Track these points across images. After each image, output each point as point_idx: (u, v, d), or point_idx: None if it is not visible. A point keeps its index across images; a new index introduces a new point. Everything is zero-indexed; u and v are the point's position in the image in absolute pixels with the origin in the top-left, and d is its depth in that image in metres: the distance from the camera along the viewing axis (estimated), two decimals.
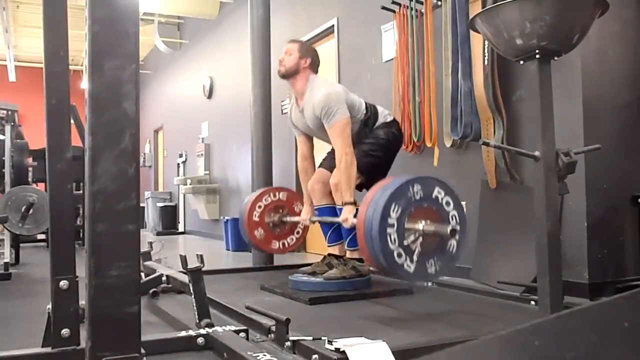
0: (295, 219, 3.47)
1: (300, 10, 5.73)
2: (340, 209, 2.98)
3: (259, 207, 3.52)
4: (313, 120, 3.02)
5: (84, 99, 1.15)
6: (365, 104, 3.12)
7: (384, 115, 3.15)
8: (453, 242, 2.31)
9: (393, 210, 2.18)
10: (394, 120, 3.21)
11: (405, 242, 2.20)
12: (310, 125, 3.09)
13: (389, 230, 2.17)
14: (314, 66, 3.11)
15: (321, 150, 3.46)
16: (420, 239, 2.22)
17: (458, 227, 2.27)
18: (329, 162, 3.17)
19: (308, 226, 3.51)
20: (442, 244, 2.28)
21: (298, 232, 3.63)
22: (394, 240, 2.17)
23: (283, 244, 3.61)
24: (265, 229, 3.53)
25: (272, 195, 3.58)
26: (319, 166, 3.28)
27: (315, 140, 3.35)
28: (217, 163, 8.01)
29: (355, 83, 4.62)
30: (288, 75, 3.08)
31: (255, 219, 3.51)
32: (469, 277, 3.33)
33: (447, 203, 2.32)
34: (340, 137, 2.90)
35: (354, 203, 2.87)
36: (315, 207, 3.24)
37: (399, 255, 2.19)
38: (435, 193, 2.30)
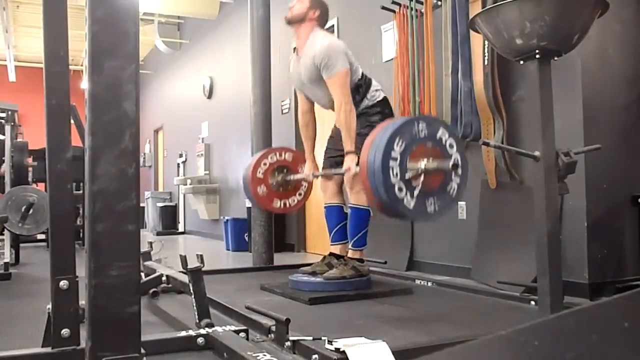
0: (299, 176, 3.40)
1: None
2: (351, 208, 2.99)
3: (264, 164, 3.42)
4: (309, 70, 3.00)
5: (84, 99, 1.15)
6: (362, 72, 3.11)
7: (376, 87, 3.12)
8: (453, 184, 2.29)
9: (397, 144, 2.16)
10: (385, 98, 3.15)
11: (407, 177, 2.18)
12: (303, 78, 3.07)
13: (391, 163, 2.15)
14: (322, 20, 3.10)
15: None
16: (422, 176, 2.19)
17: (460, 163, 2.26)
18: (331, 161, 3.18)
19: (311, 186, 3.48)
20: (442, 183, 2.27)
21: (300, 194, 3.53)
22: (396, 174, 2.15)
23: (284, 203, 3.49)
24: (268, 186, 3.44)
25: (277, 154, 3.48)
26: (323, 167, 3.27)
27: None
28: (217, 163, 8.01)
29: None
30: (294, 21, 3.07)
31: (259, 175, 3.41)
32: (469, 277, 3.33)
33: (450, 145, 2.30)
34: (340, 87, 2.91)
35: (355, 152, 2.84)
36: (325, 205, 3.24)
37: (400, 189, 2.16)
38: (439, 134, 2.27)
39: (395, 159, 2.16)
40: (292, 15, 3.08)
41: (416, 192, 2.20)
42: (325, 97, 3.06)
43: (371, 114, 3.06)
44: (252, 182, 3.39)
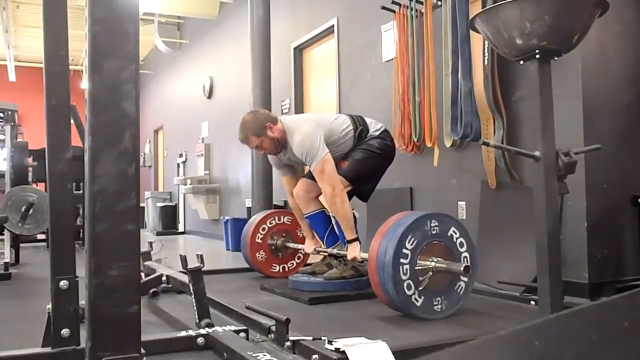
0: (299, 246, 3.47)
1: (300, 10, 5.72)
2: (333, 216, 2.99)
3: (263, 229, 3.56)
4: (300, 160, 3.00)
5: (84, 99, 1.15)
6: (352, 117, 3.08)
7: (373, 125, 3.11)
8: (462, 284, 2.34)
9: (409, 242, 2.21)
10: (386, 130, 3.16)
11: (416, 275, 2.23)
12: (301, 161, 3.06)
13: (402, 260, 2.20)
14: (270, 119, 3.03)
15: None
16: (431, 274, 2.24)
17: (470, 264, 2.30)
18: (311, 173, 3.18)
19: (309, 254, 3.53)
20: (451, 283, 2.32)
21: (299, 258, 3.66)
22: (406, 270, 2.20)
23: (283, 267, 3.63)
24: (267, 251, 3.56)
25: (276, 218, 3.60)
26: (303, 176, 3.25)
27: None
28: (217, 163, 8.01)
29: (355, 83, 4.63)
30: (280, 149, 3.05)
31: (258, 240, 3.54)
32: None
33: (461, 244, 2.36)
34: (326, 177, 2.86)
35: (357, 239, 2.89)
36: (305, 216, 3.20)
37: (409, 287, 2.21)
38: (450, 232, 2.33)
39: (406, 256, 2.21)
40: (275, 150, 3.05)
41: (424, 291, 2.24)
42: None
43: (370, 138, 3.06)
44: (251, 249, 3.52)
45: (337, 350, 1.64)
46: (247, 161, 5.22)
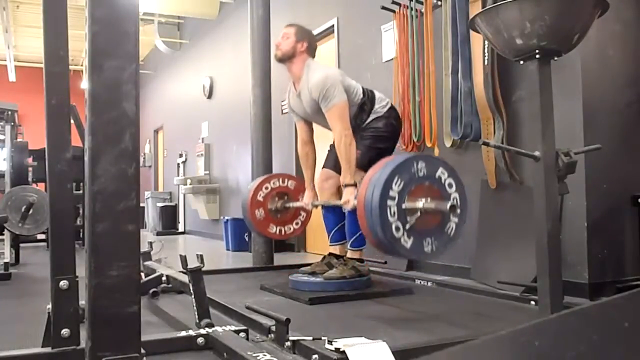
0: (298, 204, 3.41)
1: (300, 10, 5.73)
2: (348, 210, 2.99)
3: (266, 188, 3.44)
4: (310, 103, 3.01)
5: (84, 99, 1.15)
6: (363, 88, 3.11)
7: (380, 100, 3.12)
8: (452, 225, 2.29)
9: (395, 184, 2.17)
10: (392, 107, 3.17)
11: (404, 216, 2.19)
12: (307, 110, 3.08)
13: (389, 202, 2.16)
14: (311, 50, 3.09)
15: (321, 136, 3.44)
16: (419, 214, 2.20)
17: (458, 204, 2.26)
18: (333, 162, 3.17)
19: (309, 215, 3.48)
20: (441, 223, 2.27)
21: (298, 223, 3.56)
22: (394, 213, 2.16)
23: (281, 230, 3.52)
24: (266, 210, 3.45)
25: (280, 180, 3.51)
26: (323, 166, 3.27)
27: (315, 127, 3.33)
28: (217, 163, 8.01)
29: None
30: (285, 59, 3.06)
31: (259, 198, 3.42)
32: (469, 277, 3.33)
33: (450, 185, 2.30)
34: (338, 120, 2.90)
35: (355, 185, 2.85)
36: (322, 206, 3.23)
37: (397, 228, 2.17)
38: (438, 173, 2.28)
39: (393, 198, 2.17)
40: (282, 53, 3.06)
41: (413, 232, 2.21)
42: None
43: (376, 119, 3.07)
44: (251, 204, 3.42)
45: (337, 350, 1.64)
46: (247, 161, 5.22)
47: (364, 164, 2.94)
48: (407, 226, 2.19)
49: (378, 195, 2.14)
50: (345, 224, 3.08)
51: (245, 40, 4.87)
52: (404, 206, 2.18)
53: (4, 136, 4.82)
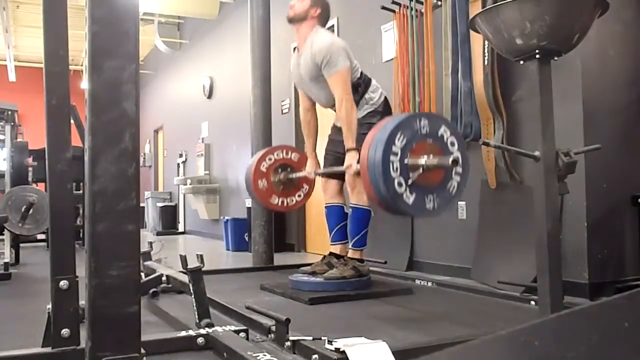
0: (300, 174, 3.37)
1: None
2: (352, 208, 2.99)
3: (269, 159, 3.40)
4: (309, 68, 3.01)
5: (84, 99, 1.15)
6: (361, 72, 3.11)
7: (375, 89, 3.11)
8: (454, 183, 2.28)
9: (398, 139, 2.16)
10: (385, 99, 3.14)
11: (407, 172, 2.18)
12: (304, 76, 3.08)
13: (392, 158, 2.15)
14: (323, 18, 3.11)
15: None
16: (422, 171, 2.19)
17: (460, 159, 2.25)
18: (333, 161, 3.18)
19: (312, 187, 3.47)
20: (443, 181, 2.26)
21: (300, 195, 3.50)
22: (396, 168, 2.15)
23: (283, 202, 3.46)
24: (270, 181, 3.40)
25: (284, 152, 3.46)
26: (324, 165, 3.27)
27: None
28: (217, 163, 8.01)
29: None
30: (296, 19, 3.08)
31: (262, 169, 3.38)
32: (469, 277, 3.33)
33: (452, 143, 2.28)
34: (341, 84, 2.92)
35: (357, 149, 2.83)
36: (325, 205, 3.24)
37: (400, 184, 2.16)
38: (441, 131, 2.26)
39: (396, 154, 2.16)
40: (293, 13, 3.09)
41: (415, 188, 2.20)
42: (323, 95, 3.07)
43: (371, 113, 3.06)
44: (254, 174, 3.37)
45: (337, 350, 1.64)
46: (247, 161, 5.21)
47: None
48: (410, 182, 2.18)
49: (381, 150, 2.13)
50: (348, 224, 3.08)
51: (245, 40, 4.87)
52: (406, 161, 2.18)
53: (4, 136, 4.82)
